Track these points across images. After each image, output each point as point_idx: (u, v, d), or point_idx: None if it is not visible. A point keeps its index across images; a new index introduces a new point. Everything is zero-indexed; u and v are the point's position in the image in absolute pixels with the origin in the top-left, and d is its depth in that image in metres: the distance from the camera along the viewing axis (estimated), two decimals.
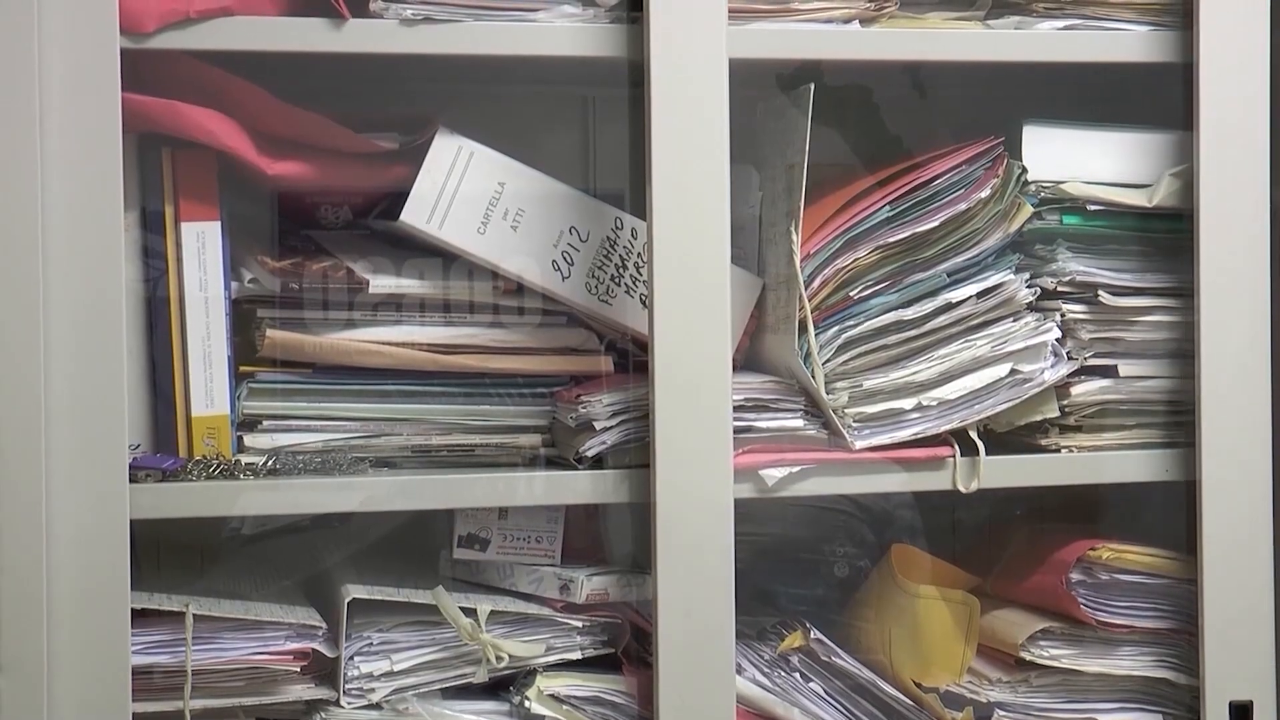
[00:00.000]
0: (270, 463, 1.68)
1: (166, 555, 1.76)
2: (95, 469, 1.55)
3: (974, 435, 1.78)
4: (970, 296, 1.77)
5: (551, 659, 1.74)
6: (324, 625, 1.68)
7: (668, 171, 1.67)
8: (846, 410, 1.75)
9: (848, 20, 1.75)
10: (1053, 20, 1.78)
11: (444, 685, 1.72)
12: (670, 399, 1.67)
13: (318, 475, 1.69)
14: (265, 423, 1.70)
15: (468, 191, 1.71)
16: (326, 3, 1.61)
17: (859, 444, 1.74)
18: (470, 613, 1.71)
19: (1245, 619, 1.79)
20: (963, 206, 1.76)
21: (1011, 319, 1.79)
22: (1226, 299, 1.77)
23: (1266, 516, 1.79)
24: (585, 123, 1.90)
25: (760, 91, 1.81)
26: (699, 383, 1.68)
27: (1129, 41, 1.79)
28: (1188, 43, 1.78)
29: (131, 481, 1.57)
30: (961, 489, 1.77)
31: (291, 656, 1.66)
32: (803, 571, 1.96)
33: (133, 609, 1.58)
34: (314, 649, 1.67)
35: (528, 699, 1.71)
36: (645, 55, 1.66)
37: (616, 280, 1.76)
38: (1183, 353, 1.83)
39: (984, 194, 1.76)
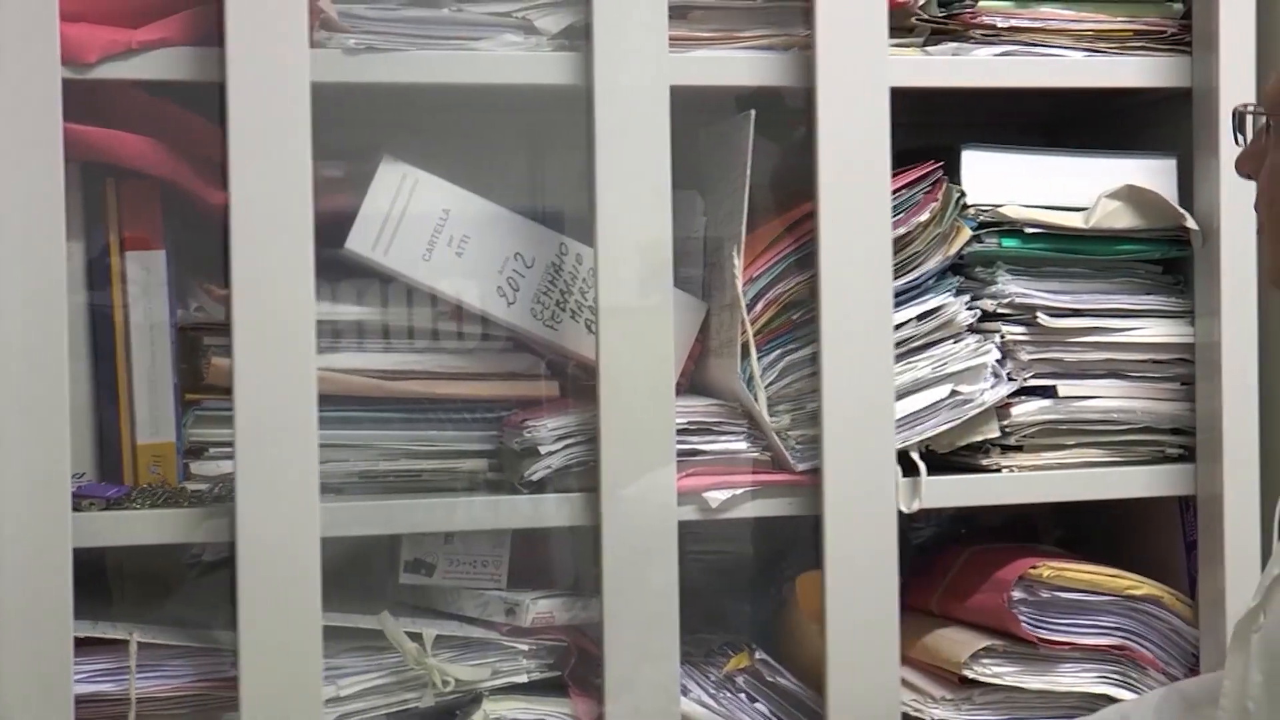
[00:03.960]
0: (216, 490, 1.68)
1: (133, 583, 1.77)
2: (38, 498, 1.56)
3: (915, 456, 1.79)
4: (911, 319, 1.79)
5: (498, 683, 1.75)
6: None
7: (611, 197, 1.68)
8: (789, 433, 1.77)
9: (788, 48, 1.76)
10: (990, 47, 1.80)
11: (390, 711, 1.72)
12: (615, 423, 1.69)
13: None
14: (211, 450, 1.71)
15: (412, 218, 1.73)
16: None
17: (802, 466, 1.76)
18: (416, 637, 1.72)
19: None
20: (902, 230, 1.78)
21: (952, 341, 1.81)
22: (847, 302, 1.75)
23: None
24: (530, 149, 1.92)
25: (704, 117, 1.83)
26: (643, 406, 1.70)
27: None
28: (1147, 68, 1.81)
29: (75, 510, 1.58)
30: (903, 509, 1.78)
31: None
32: (753, 591, 1.98)
33: (77, 638, 1.58)
34: None
35: None
36: (589, 83, 1.68)
37: (562, 305, 1.77)
38: (1121, 372, 1.85)
39: (923, 217, 1.78)
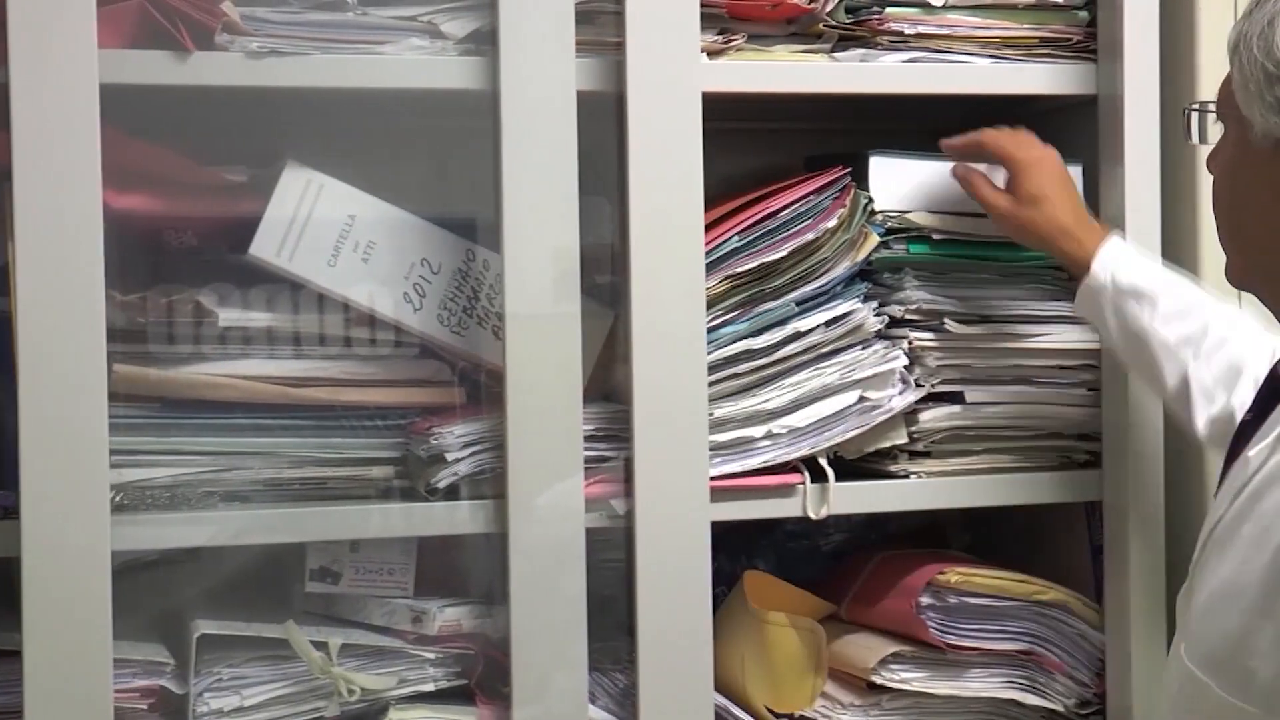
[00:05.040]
0: (118, 498, 1.66)
1: None
2: None
3: (823, 462, 1.80)
4: (819, 325, 1.79)
5: (404, 691, 1.73)
6: (172, 661, 1.67)
7: (518, 203, 1.68)
8: None
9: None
10: (897, 53, 1.81)
11: None
12: (522, 429, 1.68)
13: (166, 510, 1.67)
14: (113, 458, 1.68)
15: (318, 224, 1.71)
16: (172, 36, 1.61)
17: (710, 472, 1.75)
18: (322, 646, 1.71)
19: None
20: (810, 236, 1.78)
21: (860, 347, 1.81)
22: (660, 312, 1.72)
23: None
24: (436, 154, 1.90)
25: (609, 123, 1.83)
26: (551, 413, 1.69)
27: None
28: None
29: None
30: (812, 515, 1.78)
31: (138, 694, 1.64)
32: None
33: None
34: (161, 686, 1.66)
35: None
36: (495, 88, 1.67)
37: (469, 312, 1.77)
38: (1028, 378, 1.86)
39: (831, 224, 1.78)
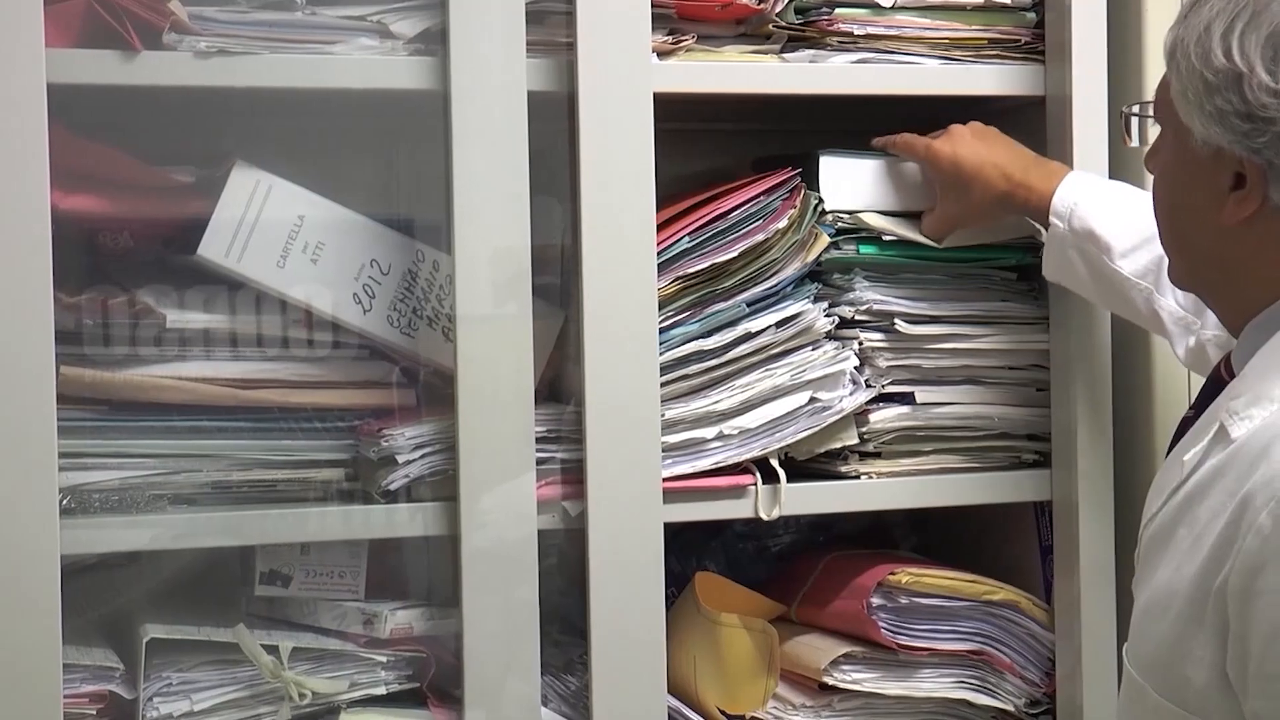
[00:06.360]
0: (66, 501, 1.64)
1: None
2: None
3: (775, 463, 1.80)
4: (770, 326, 1.79)
5: (356, 695, 1.73)
6: (121, 666, 1.65)
7: (468, 203, 1.67)
8: None
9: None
10: (847, 54, 1.81)
11: None
12: (474, 431, 1.68)
13: (115, 513, 1.66)
14: (60, 461, 1.66)
15: (267, 224, 1.70)
16: (120, 35, 1.59)
17: (665, 473, 1.75)
18: (272, 650, 1.69)
19: None
20: (761, 237, 1.78)
21: (810, 347, 1.81)
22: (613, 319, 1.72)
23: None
24: (386, 155, 1.90)
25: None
26: (502, 414, 1.68)
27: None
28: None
29: None
30: (763, 516, 1.78)
31: (87, 699, 1.63)
32: None
33: None
34: (111, 691, 1.64)
35: None
36: (446, 88, 1.66)
37: (419, 313, 1.76)
38: (977, 379, 1.87)
39: (782, 224, 1.79)
